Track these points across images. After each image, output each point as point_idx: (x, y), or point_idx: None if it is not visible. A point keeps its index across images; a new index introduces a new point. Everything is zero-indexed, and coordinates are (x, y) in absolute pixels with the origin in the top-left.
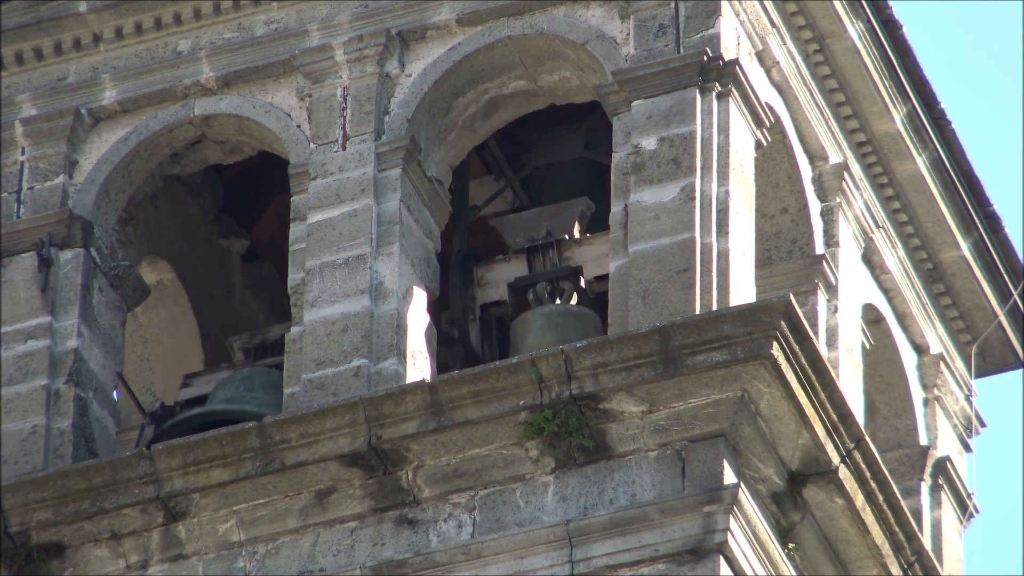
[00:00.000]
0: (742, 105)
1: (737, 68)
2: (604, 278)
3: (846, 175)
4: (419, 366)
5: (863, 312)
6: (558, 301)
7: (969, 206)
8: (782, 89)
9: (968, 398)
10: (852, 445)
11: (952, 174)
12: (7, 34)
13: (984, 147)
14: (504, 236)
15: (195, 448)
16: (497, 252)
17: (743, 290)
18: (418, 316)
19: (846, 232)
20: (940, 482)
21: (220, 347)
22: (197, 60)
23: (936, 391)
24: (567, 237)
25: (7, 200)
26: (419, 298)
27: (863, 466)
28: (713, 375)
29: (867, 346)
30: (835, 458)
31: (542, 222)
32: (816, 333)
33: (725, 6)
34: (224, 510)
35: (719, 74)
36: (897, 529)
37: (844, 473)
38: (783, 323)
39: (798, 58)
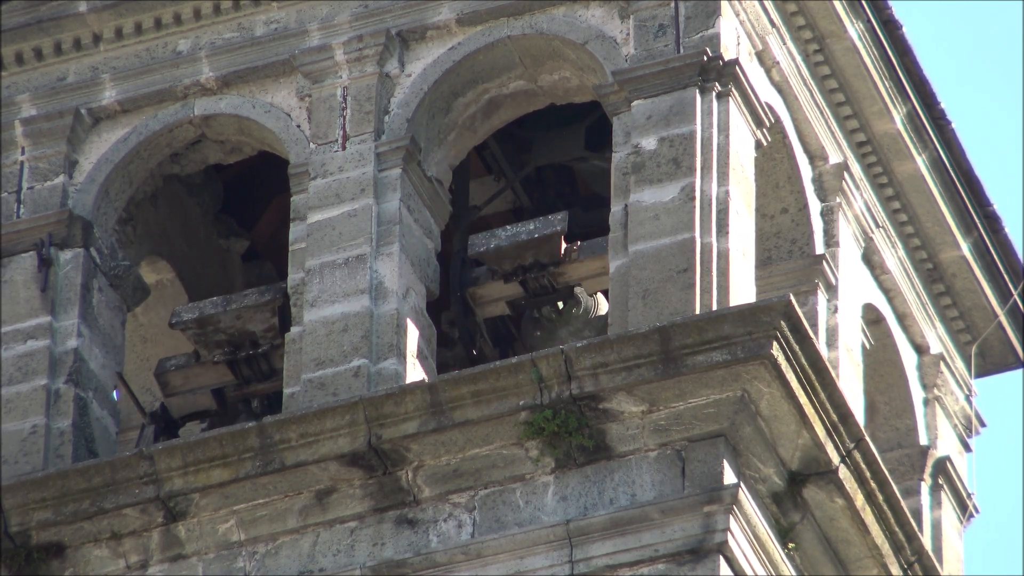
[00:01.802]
0: (742, 105)
1: (737, 68)
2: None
3: (846, 175)
4: (419, 366)
5: (863, 312)
6: (561, 306)
7: (969, 206)
8: (782, 89)
9: (968, 398)
10: (852, 445)
11: (952, 174)
12: (7, 34)
13: (984, 147)
14: (490, 265)
15: (195, 448)
16: None
17: (743, 290)
18: (418, 316)
19: (846, 232)
20: (940, 482)
21: None
22: (197, 60)
23: (936, 391)
24: (556, 266)
25: (7, 200)
26: (419, 298)
27: (863, 466)
28: (713, 375)
29: (867, 346)
30: (835, 458)
31: (527, 251)
32: (816, 333)
33: (725, 6)
34: (224, 510)
35: (719, 74)
36: (897, 529)
37: (844, 473)
38: (783, 323)
39: (798, 58)
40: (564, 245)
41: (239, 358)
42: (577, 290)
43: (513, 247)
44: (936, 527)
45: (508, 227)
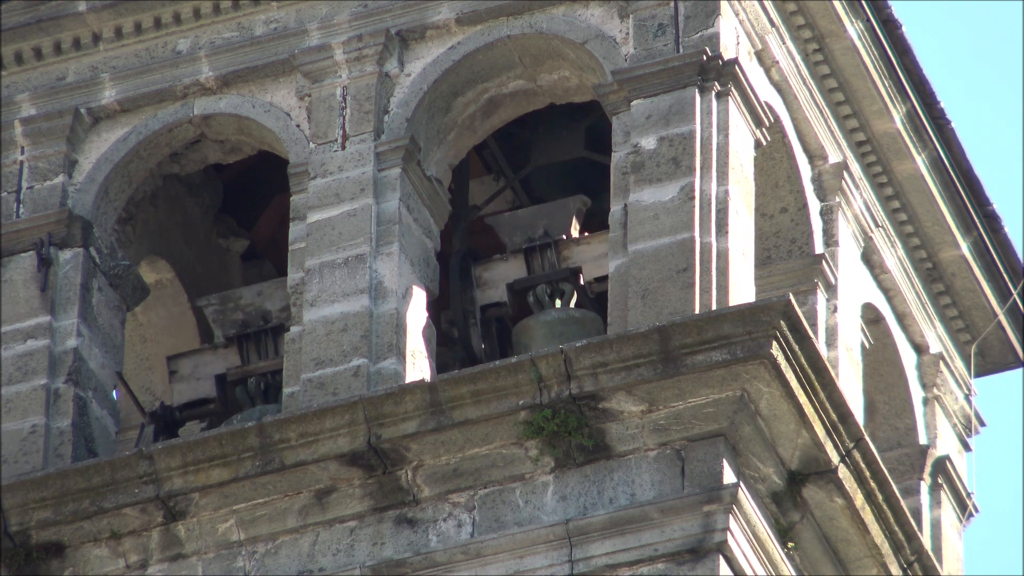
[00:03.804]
0: (741, 105)
1: (736, 67)
2: (603, 279)
3: (845, 174)
4: (419, 366)
5: (863, 312)
6: (558, 303)
7: (969, 206)
8: (781, 89)
9: (968, 397)
10: (852, 445)
11: (952, 174)
12: (7, 34)
13: (984, 147)
14: (500, 234)
15: (195, 448)
16: (496, 251)
17: (743, 290)
18: (418, 316)
19: (845, 232)
20: (940, 481)
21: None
22: (197, 60)
23: (936, 390)
24: (565, 237)
25: (7, 200)
26: (419, 298)
27: (863, 466)
28: (713, 375)
29: (867, 346)
30: (835, 458)
31: (539, 221)
32: (816, 333)
33: (724, 6)
34: (224, 510)
35: (718, 73)
36: (897, 529)
37: (844, 473)
38: (783, 323)
39: (797, 58)
40: (577, 227)
41: (247, 334)
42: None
43: (528, 214)
44: (936, 527)
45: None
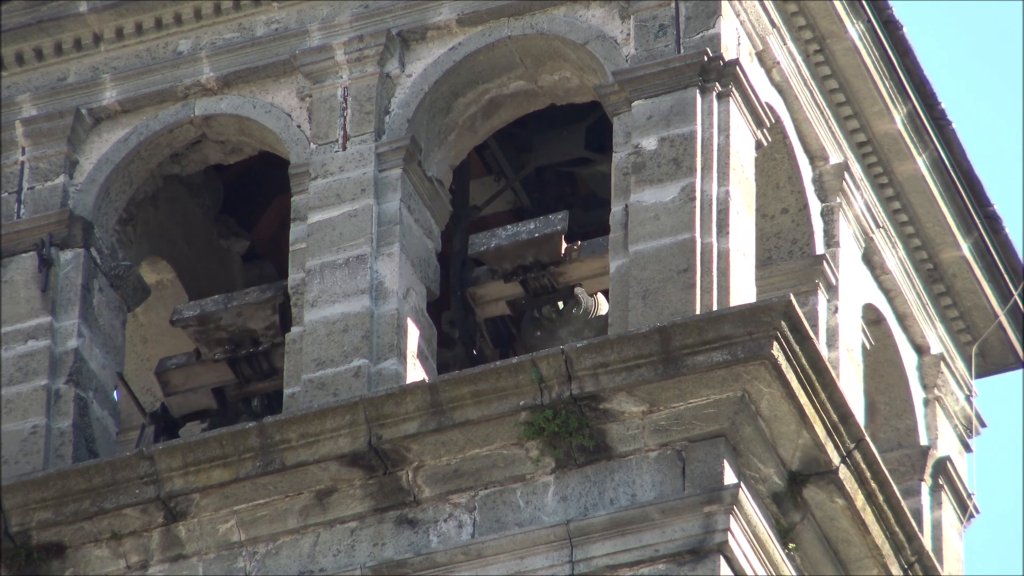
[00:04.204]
0: (742, 105)
1: (737, 68)
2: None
3: (846, 175)
4: (419, 366)
5: (863, 312)
6: (561, 305)
7: (969, 206)
8: (782, 89)
9: (968, 398)
10: (852, 445)
11: (952, 174)
12: (7, 34)
13: (984, 147)
14: (489, 265)
15: (195, 448)
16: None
17: (743, 290)
18: (418, 316)
19: (846, 232)
20: (940, 482)
21: None
22: (197, 60)
23: (936, 391)
24: (558, 264)
25: (7, 200)
26: (419, 298)
27: (863, 466)
28: (713, 375)
29: (867, 346)
30: (835, 458)
31: (527, 251)
32: (816, 333)
33: (725, 6)
34: (224, 510)
35: (719, 74)
36: (897, 529)
37: (844, 473)
38: (783, 323)
39: (798, 58)
40: (565, 245)
41: (239, 356)
42: (577, 290)
43: (513, 246)
44: (936, 527)
45: (508, 227)
